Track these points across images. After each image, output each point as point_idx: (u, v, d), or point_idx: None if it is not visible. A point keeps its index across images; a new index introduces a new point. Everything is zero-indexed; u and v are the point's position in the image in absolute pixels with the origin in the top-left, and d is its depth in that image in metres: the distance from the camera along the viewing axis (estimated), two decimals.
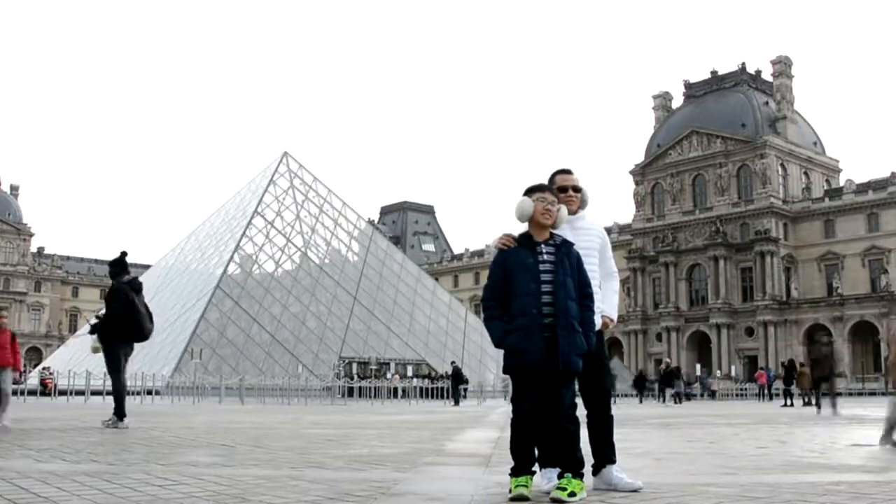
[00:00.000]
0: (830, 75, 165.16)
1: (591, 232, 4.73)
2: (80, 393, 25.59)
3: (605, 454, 4.50)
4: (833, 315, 68.82)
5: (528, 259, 4.21)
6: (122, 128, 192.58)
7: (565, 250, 4.28)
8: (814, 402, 23.48)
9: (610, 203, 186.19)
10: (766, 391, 40.18)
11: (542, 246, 4.25)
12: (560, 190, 4.63)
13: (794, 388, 29.96)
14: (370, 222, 59.05)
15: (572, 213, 4.65)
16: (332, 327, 43.50)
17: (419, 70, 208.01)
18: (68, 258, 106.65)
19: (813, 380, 20.34)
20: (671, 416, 18.13)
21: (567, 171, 4.77)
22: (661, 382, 36.54)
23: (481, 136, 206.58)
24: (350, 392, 32.04)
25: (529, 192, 4.34)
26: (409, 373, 40.28)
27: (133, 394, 24.38)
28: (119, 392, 10.30)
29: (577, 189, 4.69)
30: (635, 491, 4.34)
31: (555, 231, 4.36)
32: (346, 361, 42.09)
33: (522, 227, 4.38)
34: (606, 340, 4.88)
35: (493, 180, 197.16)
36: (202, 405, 22.62)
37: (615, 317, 4.78)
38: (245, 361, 38.10)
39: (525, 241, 4.29)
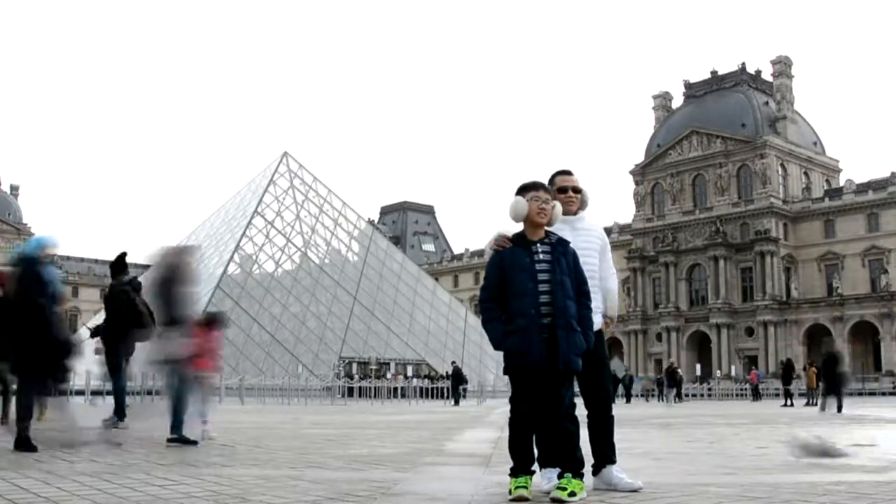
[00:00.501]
0: (830, 75, 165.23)
1: (591, 233, 4.73)
2: (80, 393, 25.58)
3: (605, 454, 4.49)
4: (833, 315, 68.80)
5: (524, 259, 4.19)
6: (122, 128, 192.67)
7: (562, 249, 4.26)
8: (817, 401, 23.78)
9: (610, 203, 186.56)
10: (756, 391, 40.59)
11: (538, 245, 4.24)
12: (560, 191, 4.62)
13: (792, 388, 29.98)
14: (370, 222, 59.04)
15: (572, 213, 4.64)
16: (332, 327, 43.50)
17: (419, 70, 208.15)
18: (68, 258, 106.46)
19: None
20: (671, 416, 18.14)
21: (567, 172, 4.75)
22: (667, 383, 36.75)
23: (481, 136, 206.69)
24: (350, 392, 32.04)
25: (522, 190, 4.30)
26: (409, 373, 40.29)
27: (133, 394, 24.33)
28: (119, 392, 10.31)
29: (577, 190, 4.69)
30: (635, 491, 4.34)
31: (552, 230, 4.35)
32: (346, 361, 42.10)
33: (519, 227, 4.37)
34: (606, 340, 4.88)
35: (493, 180, 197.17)
36: None
37: (615, 317, 4.80)
38: (245, 361, 38.09)
39: (520, 241, 4.27)
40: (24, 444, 6.43)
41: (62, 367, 7.00)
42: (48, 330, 6.69)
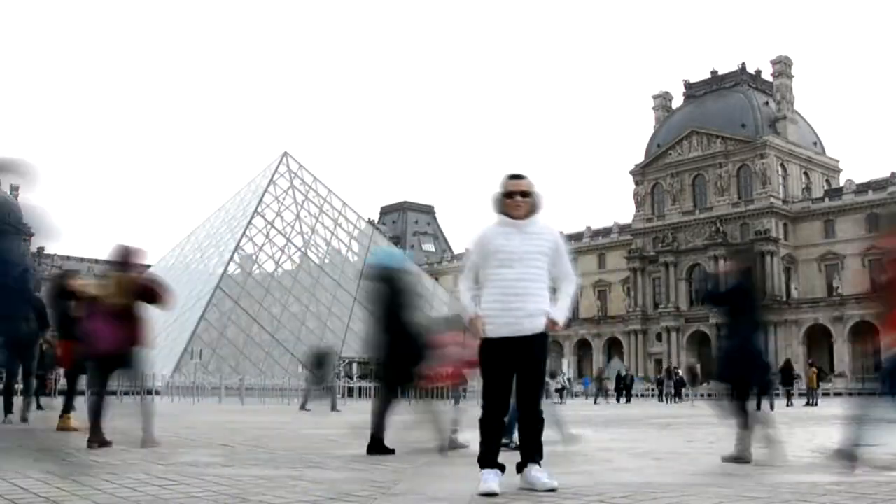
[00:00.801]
0: (830, 75, 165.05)
1: (542, 236, 4.73)
2: (80, 393, 25.59)
3: (529, 453, 4.56)
4: (833, 315, 68.78)
5: None
6: (121, 128, 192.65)
7: None
8: (813, 401, 24.13)
9: (610, 203, 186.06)
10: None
11: None
12: (506, 195, 4.70)
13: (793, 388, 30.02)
14: (370, 222, 59.05)
15: (521, 217, 4.69)
16: (332, 327, 43.48)
17: (419, 70, 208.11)
18: (68, 258, 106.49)
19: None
20: (671, 416, 18.16)
21: (517, 176, 4.78)
22: (679, 384, 37.27)
23: (481, 137, 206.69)
24: (350, 392, 32.04)
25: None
26: None
27: (133, 394, 24.36)
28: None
29: (525, 194, 4.71)
30: (552, 490, 4.37)
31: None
32: (346, 361, 42.08)
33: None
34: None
35: (493, 180, 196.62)
36: (202, 405, 22.64)
37: (561, 319, 4.71)
38: (245, 361, 38.10)
39: None
40: (378, 447, 6.86)
41: (414, 374, 7.43)
42: (411, 339, 7.14)
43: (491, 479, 4.36)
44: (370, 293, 7.38)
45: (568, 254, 4.88)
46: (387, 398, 7.21)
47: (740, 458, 6.38)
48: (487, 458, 4.48)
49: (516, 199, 4.68)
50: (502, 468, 4.50)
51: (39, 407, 13.90)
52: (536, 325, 4.56)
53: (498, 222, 4.73)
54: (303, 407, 19.96)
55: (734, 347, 6.96)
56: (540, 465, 4.54)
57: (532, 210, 4.73)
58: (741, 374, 6.81)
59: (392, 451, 6.84)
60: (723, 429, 7.92)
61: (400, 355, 7.07)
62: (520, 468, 4.55)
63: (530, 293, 4.57)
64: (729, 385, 6.86)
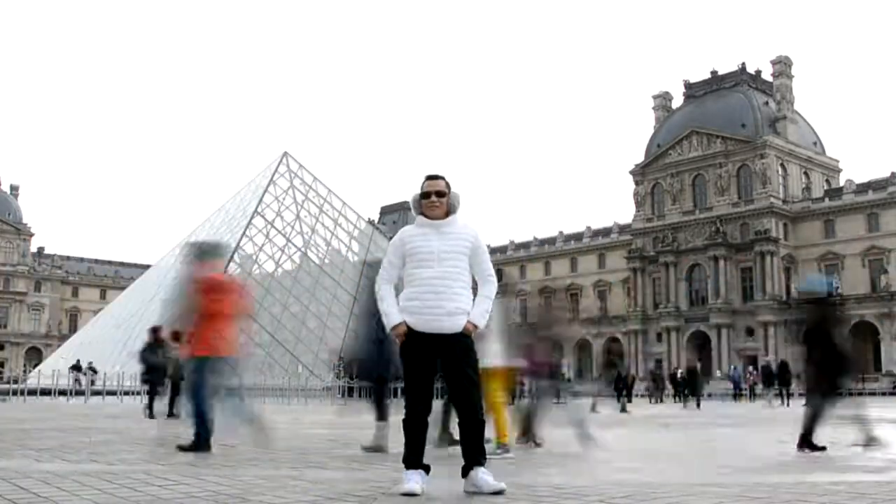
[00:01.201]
0: (830, 75, 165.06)
1: (460, 236, 4.71)
2: (80, 393, 25.66)
3: (472, 456, 4.48)
4: None
5: None
6: (122, 128, 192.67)
7: None
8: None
9: (610, 203, 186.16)
10: (739, 390, 41.23)
11: None
12: (423, 196, 4.74)
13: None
14: (370, 222, 59.06)
15: (438, 217, 4.71)
16: (332, 327, 43.45)
17: (419, 70, 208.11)
18: (68, 258, 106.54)
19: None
20: (671, 416, 18.15)
21: (433, 177, 4.82)
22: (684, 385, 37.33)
23: (481, 137, 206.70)
24: (350, 392, 32.02)
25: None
26: None
27: (133, 394, 24.45)
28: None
29: (440, 194, 4.73)
30: (500, 492, 4.30)
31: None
32: (347, 361, 42.05)
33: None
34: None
35: (492, 181, 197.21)
36: None
37: (482, 323, 4.67)
38: (245, 361, 38.06)
39: None
40: (807, 442, 7.78)
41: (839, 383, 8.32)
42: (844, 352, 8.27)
43: (413, 480, 4.32)
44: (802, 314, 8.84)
45: (487, 254, 4.84)
46: (819, 405, 8.10)
47: (378, 447, 7.11)
48: (411, 459, 4.44)
49: (432, 200, 4.71)
50: (427, 469, 4.46)
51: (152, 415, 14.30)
52: (456, 324, 4.53)
53: (416, 223, 4.78)
54: (593, 409, 19.33)
55: (363, 350, 7.86)
56: (485, 466, 4.45)
57: (449, 210, 4.75)
58: (371, 372, 7.71)
59: (824, 448, 7.71)
60: (723, 430, 7.95)
61: (829, 369, 8.12)
62: (464, 472, 4.47)
63: (449, 291, 4.54)
64: (368, 382, 7.88)
